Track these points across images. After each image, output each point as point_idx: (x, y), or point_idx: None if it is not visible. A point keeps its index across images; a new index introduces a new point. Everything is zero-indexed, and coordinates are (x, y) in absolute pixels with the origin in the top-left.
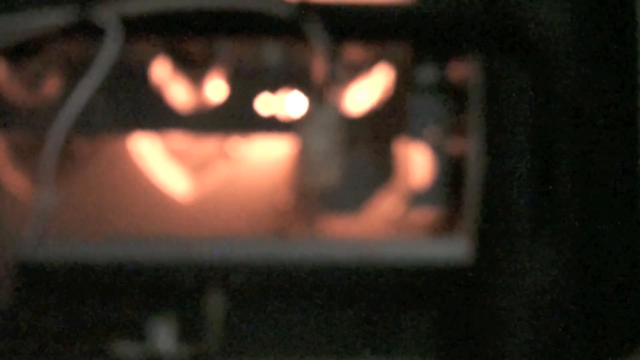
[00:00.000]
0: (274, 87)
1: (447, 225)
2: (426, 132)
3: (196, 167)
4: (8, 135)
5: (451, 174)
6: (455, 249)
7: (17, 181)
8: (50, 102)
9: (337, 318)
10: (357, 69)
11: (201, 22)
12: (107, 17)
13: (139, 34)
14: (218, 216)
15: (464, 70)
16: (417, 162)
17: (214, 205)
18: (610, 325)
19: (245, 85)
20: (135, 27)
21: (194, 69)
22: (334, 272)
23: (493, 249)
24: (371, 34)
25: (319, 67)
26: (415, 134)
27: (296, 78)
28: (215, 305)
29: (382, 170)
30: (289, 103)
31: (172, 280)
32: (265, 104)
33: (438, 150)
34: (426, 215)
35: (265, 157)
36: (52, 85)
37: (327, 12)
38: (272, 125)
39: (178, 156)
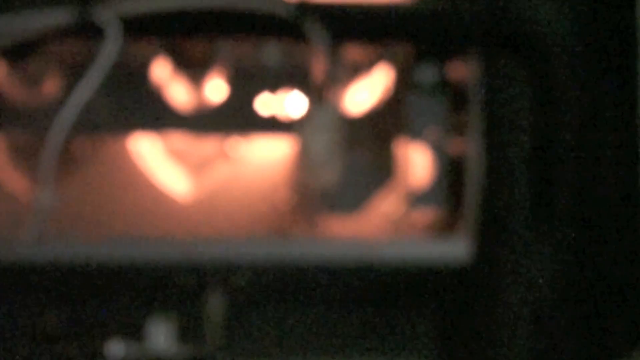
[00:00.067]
0: (274, 87)
1: (447, 226)
2: (426, 132)
3: (196, 167)
4: (8, 135)
5: (451, 174)
6: (455, 249)
7: (17, 181)
8: (50, 102)
9: (337, 318)
10: (357, 69)
11: (201, 22)
12: (107, 17)
13: (139, 34)
14: (218, 216)
15: (464, 70)
16: (417, 162)
17: (214, 206)
18: (610, 325)
19: (245, 85)
20: (135, 27)
21: (194, 69)
22: (334, 272)
23: (493, 249)
24: (371, 34)
25: (319, 67)
26: (415, 134)
27: (296, 78)
28: (215, 305)
29: (382, 170)
30: (289, 103)
31: (172, 280)
32: (265, 104)
33: (438, 150)
34: (426, 215)
35: (265, 157)
36: (52, 85)
37: (327, 12)
38: (272, 125)
39: (178, 156)
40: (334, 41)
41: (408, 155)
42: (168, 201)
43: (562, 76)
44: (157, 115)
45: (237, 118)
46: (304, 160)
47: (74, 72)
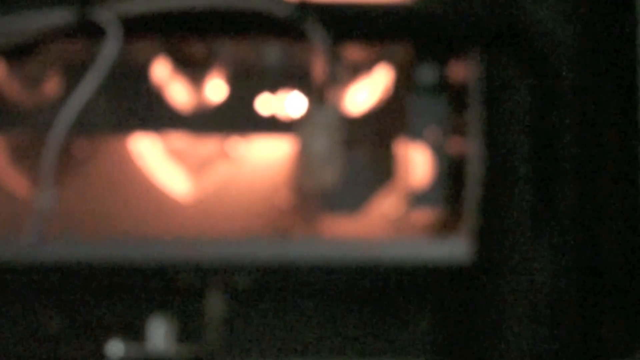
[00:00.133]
0: (274, 87)
1: (447, 226)
2: (426, 132)
3: (196, 167)
4: (8, 135)
5: (451, 174)
6: (455, 249)
7: (17, 181)
8: (50, 102)
9: (337, 318)
10: (357, 69)
11: (201, 22)
12: (107, 17)
13: (139, 34)
14: (218, 216)
15: (464, 71)
16: (417, 162)
17: (214, 205)
18: (610, 325)
19: (245, 85)
20: (135, 27)
21: (194, 69)
22: (334, 272)
23: (493, 249)
24: (371, 34)
25: (319, 67)
26: (415, 134)
27: (296, 78)
28: (215, 305)
29: (382, 170)
30: (289, 103)
31: (172, 280)
32: (265, 104)
33: (438, 150)
34: (426, 215)
35: (265, 157)
36: (52, 85)
37: (327, 12)
38: (272, 125)
39: (178, 156)
40: (334, 41)
41: (408, 155)
42: (168, 201)
43: (562, 76)
44: (157, 115)
45: (237, 118)
46: (304, 160)
47: (74, 72)
